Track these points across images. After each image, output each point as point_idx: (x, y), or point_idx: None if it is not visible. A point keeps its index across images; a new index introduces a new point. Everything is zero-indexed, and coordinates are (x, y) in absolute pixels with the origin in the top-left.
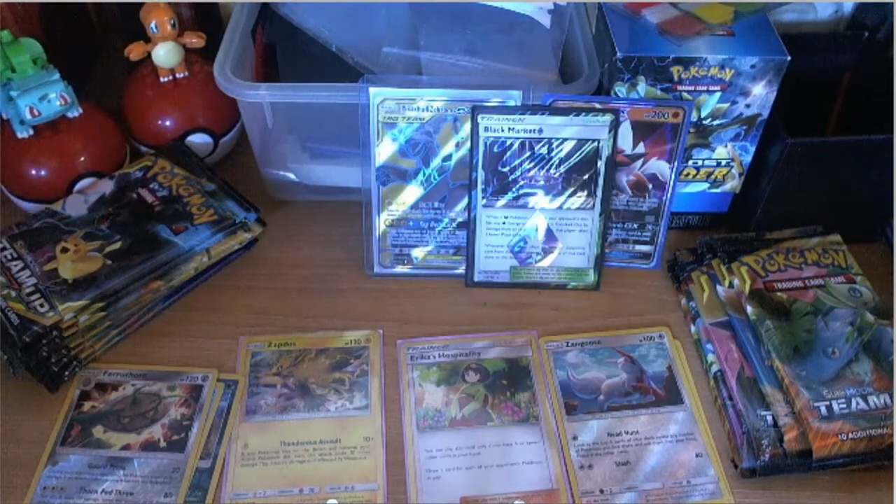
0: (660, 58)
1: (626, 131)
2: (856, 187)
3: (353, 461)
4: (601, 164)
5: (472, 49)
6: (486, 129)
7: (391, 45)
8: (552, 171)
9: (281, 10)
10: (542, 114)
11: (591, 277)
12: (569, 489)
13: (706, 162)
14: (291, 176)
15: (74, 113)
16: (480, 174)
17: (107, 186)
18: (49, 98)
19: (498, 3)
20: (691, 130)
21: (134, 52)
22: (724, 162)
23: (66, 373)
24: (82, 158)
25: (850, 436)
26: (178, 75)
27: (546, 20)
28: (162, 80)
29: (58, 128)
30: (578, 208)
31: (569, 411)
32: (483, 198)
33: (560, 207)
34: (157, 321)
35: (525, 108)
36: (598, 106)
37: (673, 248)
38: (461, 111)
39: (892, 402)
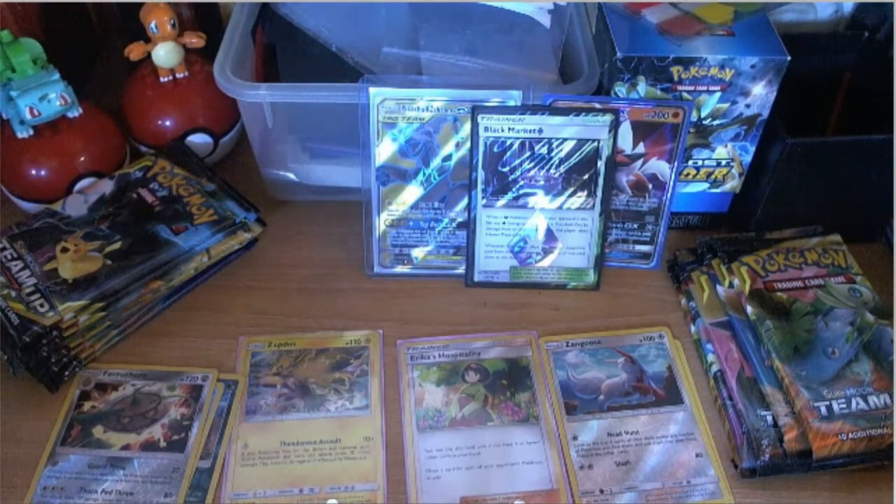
0: (660, 58)
1: (626, 131)
2: (856, 187)
3: (353, 461)
4: (601, 164)
5: (472, 49)
6: (486, 129)
7: (391, 45)
8: (552, 171)
9: (281, 10)
10: (542, 114)
11: (591, 277)
12: (569, 489)
13: (706, 162)
14: (291, 176)
15: (74, 113)
16: (480, 174)
17: (107, 186)
18: (49, 98)
19: (498, 3)
20: (691, 130)
21: (134, 52)
22: (724, 162)
23: (66, 373)
24: (82, 158)
25: (850, 436)
26: (178, 75)
27: (546, 20)
28: (162, 80)
29: (58, 128)
30: (578, 208)
31: (569, 411)
32: (483, 198)
33: (560, 207)
34: (157, 321)
35: (525, 108)
36: (598, 106)
37: (673, 248)
38: (461, 111)
39: (892, 402)
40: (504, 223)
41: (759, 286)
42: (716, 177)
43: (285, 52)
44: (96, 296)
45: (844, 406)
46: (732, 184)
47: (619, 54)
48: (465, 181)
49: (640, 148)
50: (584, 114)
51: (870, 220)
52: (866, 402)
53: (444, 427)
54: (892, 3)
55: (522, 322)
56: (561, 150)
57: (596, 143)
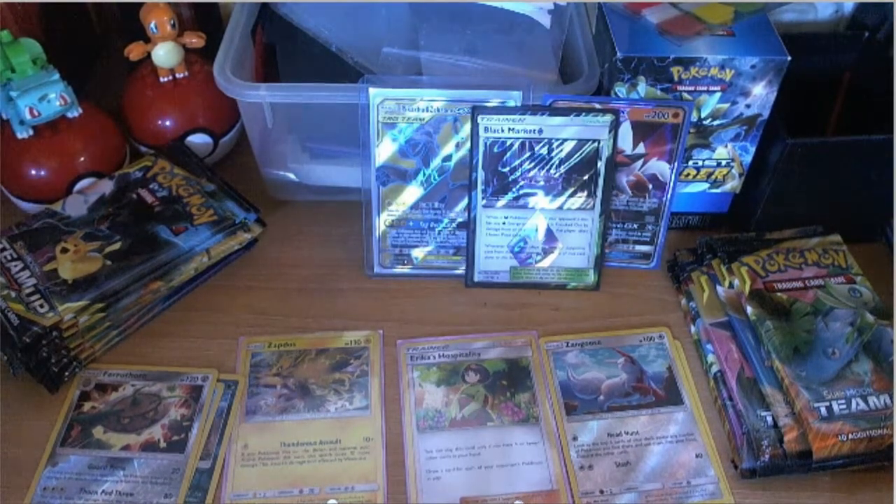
0: (660, 58)
1: (626, 131)
2: (856, 187)
3: (353, 461)
4: (601, 165)
5: (472, 49)
6: (486, 129)
7: (391, 45)
8: (552, 171)
9: (281, 10)
10: (542, 114)
11: (591, 278)
12: (569, 490)
13: (706, 162)
14: (291, 176)
15: (74, 113)
16: (480, 174)
17: (107, 187)
18: (49, 98)
19: (498, 3)
20: (691, 131)
21: (134, 52)
22: (724, 162)
23: (66, 373)
24: (82, 158)
25: (850, 436)
26: (177, 75)
27: (546, 20)
28: (162, 80)
29: (58, 128)
30: (578, 208)
31: (569, 412)
32: (483, 198)
33: (560, 208)
34: (157, 321)
35: (525, 109)
36: (598, 106)
37: (673, 249)
38: (461, 111)
39: (892, 402)
40: (504, 223)
41: (759, 286)
42: (716, 177)
43: (285, 52)
44: (96, 296)
45: (844, 407)
46: (732, 184)
47: (619, 54)
48: (465, 181)
49: (641, 148)
50: (584, 114)
51: (870, 220)
52: (866, 402)
53: (444, 427)
54: (892, 3)
55: (522, 322)
56: (561, 150)
57: (596, 144)
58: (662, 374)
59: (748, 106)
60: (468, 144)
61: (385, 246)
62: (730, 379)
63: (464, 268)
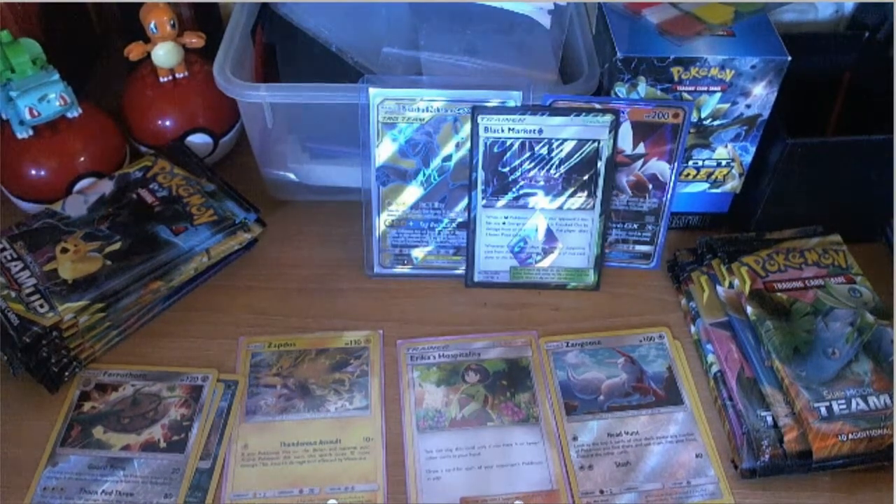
0: (660, 58)
1: (626, 132)
2: (856, 187)
3: (353, 461)
4: (601, 165)
5: (472, 49)
6: (486, 129)
7: (391, 45)
8: (552, 171)
9: (281, 10)
10: (542, 114)
11: (591, 277)
12: (569, 490)
13: (706, 162)
14: (291, 176)
15: (74, 113)
16: (480, 174)
17: (107, 187)
18: (49, 98)
19: (498, 3)
20: (691, 131)
21: (134, 52)
22: (724, 162)
23: (66, 373)
24: (82, 159)
25: (850, 436)
26: (177, 75)
27: (546, 20)
28: (162, 80)
29: (57, 128)
30: (578, 208)
31: (569, 412)
32: (483, 198)
33: (560, 208)
34: (157, 321)
35: (525, 109)
36: (598, 106)
37: (673, 249)
38: (461, 111)
39: (892, 402)
40: (504, 223)
41: (759, 286)
42: (716, 177)
43: (285, 52)
44: (96, 296)
45: (844, 407)
46: (732, 184)
47: (619, 54)
48: (465, 181)
49: (641, 148)
50: (584, 114)
51: (870, 220)
52: (866, 402)
53: (444, 427)
54: (892, 3)
55: (522, 322)
56: (561, 150)
57: (596, 144)
58: (662, 374)
59: (748, 106)
60: (468, 144)
61: (385, 246)
62: (730, 379)
63: (464, 268)
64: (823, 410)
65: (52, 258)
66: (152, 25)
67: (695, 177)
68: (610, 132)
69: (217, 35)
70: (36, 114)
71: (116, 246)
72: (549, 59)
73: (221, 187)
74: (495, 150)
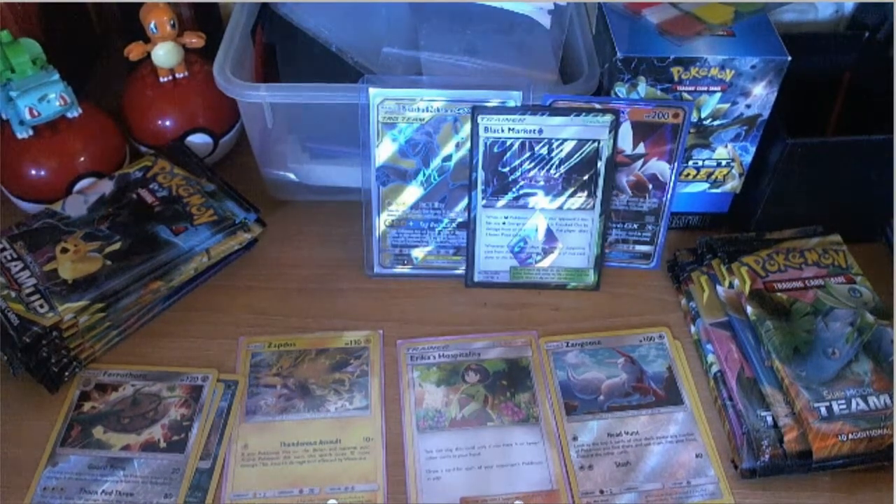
0: (660, 58)
1: (626, 132)
2: (856, 187)
3: (353, 461)
4: (601, 165)
5: (472, 49)
6: (486, 129)
7: (391, 45)
8: (552, 171)
9: (281, 10)
10: (542, 114)
11: (591, 277)
12: (569, 490)
13: (706, 162)
14: (291, 176)
15: (74, 113)
16: (480, 174)
17: (107, 187)
18: (49, 98)
19: (498, 3)
20: (691, 131)
21: (134, 52)
22: (724, 162)
23: (66, 373)
24: (82, 159)
25: (850, 436)
26: (177, 75)
27: (546, 20)
28: (162, 80)
29: (57, 128)
30: (578, 208)
31: (569, 412)
32: (483, 198)
33: (560, 208)
34: (157, 321)
35: (525, 109)
36: (598, 106)
37: (673, 249)
38: (461, 111)
39: (892, 402)
40: (504, 223)
41: (759, 286)
42: (716, 177)
43: (285, 52)
44: (96, 296)
45: (844, 407)
46: (732, 184)
47: (619, 54)
48: (465, 181)
49: (641, 148)
50: (584, 114)
51: (870, 220)
52: (866, 402)
53: (444, 427)
54: (892, 3)
55: (522, 322)
56: (561, 150)
57: (596, 144)
58: (662, 374)
59: (748, 106)
60: (468, 144)
61: (385, 246)
62: (730, 379)
63: (464, 268)
64: (823, 410)
65: (52, 258)
66: (152, 25)
67: (695, 177)
68: (610, 132)
69: (217, 35)
70: (36, 114)
71: (116, 246)
72: (549, 59)
73: (221, 187)
74: (495, 150)
